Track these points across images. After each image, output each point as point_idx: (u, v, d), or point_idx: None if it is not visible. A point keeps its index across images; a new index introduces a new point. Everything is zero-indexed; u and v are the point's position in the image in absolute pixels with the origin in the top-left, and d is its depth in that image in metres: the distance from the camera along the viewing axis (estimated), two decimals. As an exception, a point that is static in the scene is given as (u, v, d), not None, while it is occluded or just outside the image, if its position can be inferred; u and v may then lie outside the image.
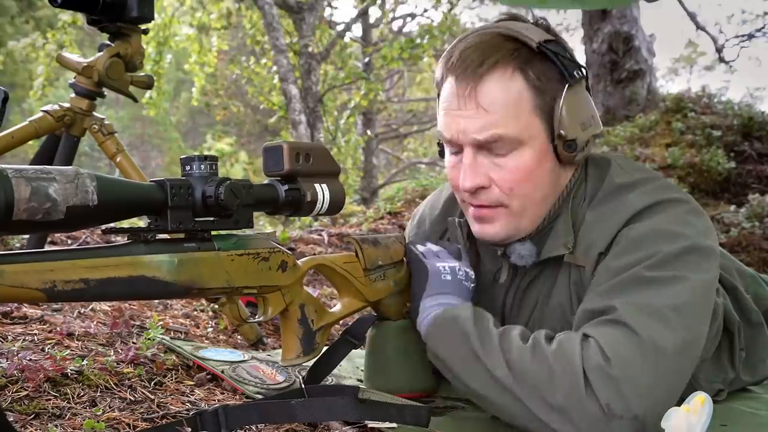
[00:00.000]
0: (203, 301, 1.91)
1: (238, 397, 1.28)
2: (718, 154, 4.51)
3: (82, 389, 1.17)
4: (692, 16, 7.77)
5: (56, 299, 0.83)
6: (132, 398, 1.18)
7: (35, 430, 1.01)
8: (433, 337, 1.15)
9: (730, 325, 1.32)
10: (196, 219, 0.95)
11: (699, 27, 7.85)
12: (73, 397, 1.14)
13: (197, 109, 14.16)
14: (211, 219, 0.97)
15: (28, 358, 1.21)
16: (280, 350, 1.58)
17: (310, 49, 8.32)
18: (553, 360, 1.01)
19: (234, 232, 1.03)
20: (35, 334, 1.40)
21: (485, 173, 1.15)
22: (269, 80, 9.45)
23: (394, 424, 1.09)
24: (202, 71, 9.07)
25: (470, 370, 1.08)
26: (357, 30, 12.03)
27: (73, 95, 1.75)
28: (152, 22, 1.73)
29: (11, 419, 1.01)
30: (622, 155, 1.31)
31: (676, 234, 1.08)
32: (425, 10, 12.25)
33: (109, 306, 1.67)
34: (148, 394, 1.20)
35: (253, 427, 1.10)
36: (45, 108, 1.72)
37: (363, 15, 11.02)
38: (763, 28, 8.29)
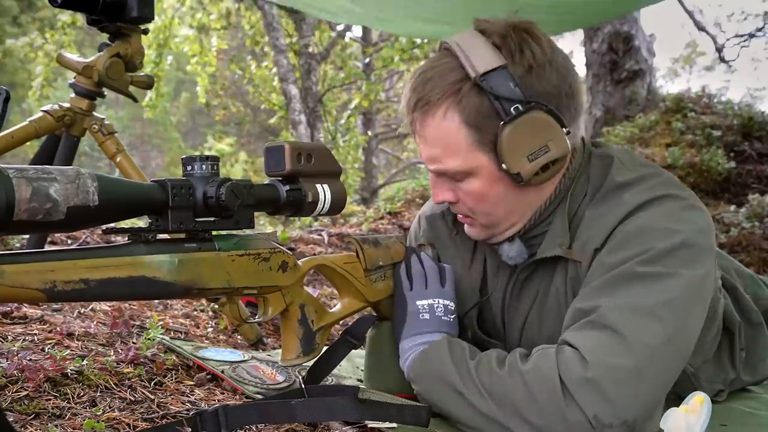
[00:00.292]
0: (203, 301, 1.91)
1: (238, 397, 1.28)
2: (718, 154, 4.51)
3: (82, 389, 1.17)
4: (692, 16, 7.77)
5: (56, 299, 0.83)
6: (132, 398, 1.18)
7: (35, 430, 1.01)
8: (415, 380, 1.17)
9: (731, 325, 1.32)
10: (196, 219, 0.95)
11: (699, 27, 7.85)
12: (73, 397, 1.14)
13: (197, 109, 14.16)
14: (212, 219, 0.97)
15: (28, 358, 1.21)
16: (280, 350, 1.58)
17: (310, 49, 8.33)
18: (530, 380, 1.01)
19: (235, 232, 1.03)
20: (35, 334, 1.40)
21: (450, 191, 1.20)
22: (269, 81, 9.45)
23: (394, 424, 1.09)
24: (204, 71, 9.07)
25: (454, 405, 1.09)
26: (357, 30, 12.04)
27: (73, 95, 1.75)
28: (152, 23, 1.73)
29: (11, 419, 1.01)
30: (626, 150, 1.28)
31: (670, 230, 1.08)
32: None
33: (109, 306, 1.67)
34: (148, 394, 1.20)
35: (253, 427, 1.10)
36: (45, 108, 1.72)
37: (363, 15, 11.01)
38: (763, 27, 8.29)
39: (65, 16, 8.02)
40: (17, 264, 0.78)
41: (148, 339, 1.44)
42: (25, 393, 1.11)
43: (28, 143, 1.71)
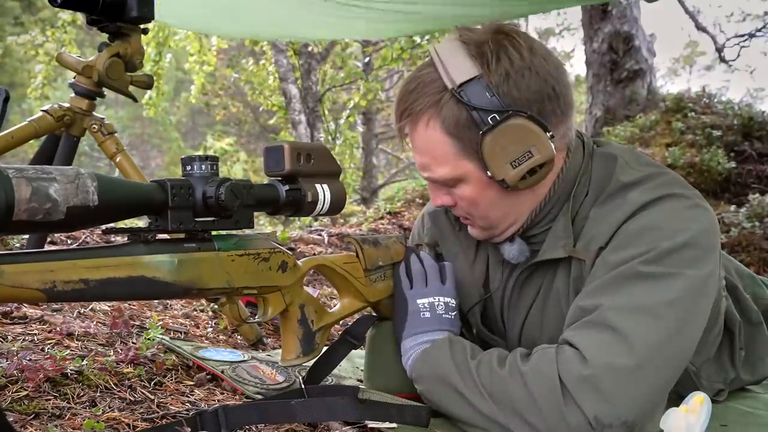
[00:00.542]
0: (203, 301, 1.91)
1: (238, 397, 1.28)
2: (718, 154, 4.51)
3: (82, 389, 1.17)
4: (692, 16, 7.78)
5: (56, 299, 0.83)
6: (132, 398, 1.18)
7: (35, 430, 1.01)
8: (417, 380, 1.17)
9: (731, 324, 1.32)
10: (196, 219, 0.95)
11: (699, 27, 7.85)
12: (73, 397, 1.14)
13: (197, 109, 14.16)
14: (212, 219, 0.97)
15: (28, 358, 1.21)
16: (280, 350, 1.58)
17: (309, 49, 8.32)
18: (530, 381, 1.01)
19: (234, 232, 1.03)
20: (35, 334, 1.40)
21: (446, 194, 1.22)
22: (268, 80, 9.44)
23: (394, 424, 1.09)
24: (201, 70, 9.06)
25: (455, 405, 1.10)
26: (357, 30, 12.02)
27: (72, 95, 1.74)
28: (152, 21, 1.73)
29: (11, 419, 1.01)
30: (630, 149, 1.28)
31: (674, 229, 1.08)
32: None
33: (109, 306, 1.67)
34: (148, 394, 1.20)
35: (253, 427, 1.10)
36: (45, 108, 1.72)
37: (363, 15, 11.00)
38: (763, 27, 8.29)
39: (66, 14, 8.02)
40: (17, 264, 0.78)
41: (148, 339, 1.44)
42: (25, 393, 1.11)
43: (28, 143, 1.71)
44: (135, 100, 1.86)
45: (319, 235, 3.40)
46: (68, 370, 1.19)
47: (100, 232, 2.39)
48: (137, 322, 1.61)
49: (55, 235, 2.26)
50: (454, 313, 1.24)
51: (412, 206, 4.59)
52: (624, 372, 0.98)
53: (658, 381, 1.02)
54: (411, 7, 2.94)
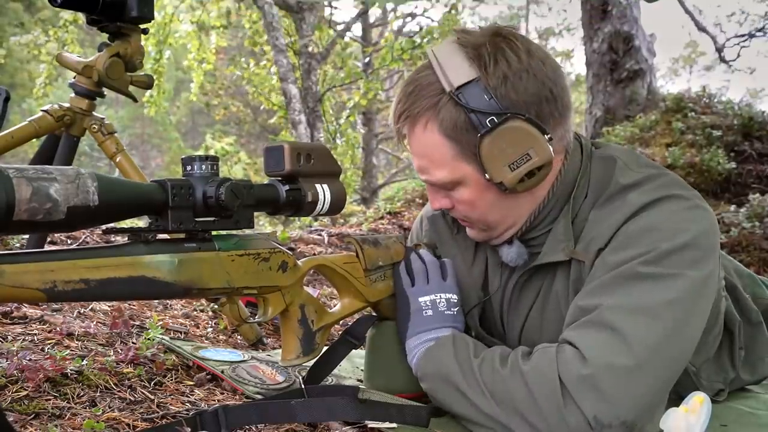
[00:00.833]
0: (203, 301, 1.91)
1: (238, 397, 1.28)
2: (718, 154, 4.51)
3: (82, 389, 1.17)
4: (692, 16, 7.78)
5: (57, 299, 0.83)
6: (132, 398, 1.18)
7: (35, 430, 1.01)
8: (422, 378, 1.17)
9: (731, 324, 1.32)
10: (196, 219, 0.95)
11: (699, 27, 7.86)
12: (73, 397, 1.14)
13: (197, 109, 14.17)
14: (212, 219, 0.97)
15: (28, 358, 1.21)
16: (280, 350, 1.58)
17: (310, 49, 8.32)
18: (531, 380, 1.01)
19: (234, 232, 1.03)
20: (35, 334, 1.40)
21: (444, 197, 1.22)
22: (269, 81, 9.45)
23: (394, 424, 1.09)
24: (200, 68, 9.06)
25: (458, 404, 1.10)
26: (357, 30, 12.04)
27: (72, 95, 1.74)
28: (152, 21, 1.72)
29: (11, 419, 1.01)
30: (628, 150, 1.28)
31: (674, 230, 1.08)
32: (425, 10, 12.21)
33: (109, 306, 1.67)
34: (147, 394, 1.20)
35: (253, 427, 1.10)
36: (45, 108, 1.72)
37: (363, 15, 11.02)
38: (763, 28, 8.29)
39: (67, 14, 8.02)
40: (17, 264, 0.78)
41: (148, 339, 1.44)
42: (25, 393, 1.11)
43: (28, 143, 1.71)
44: (135, 100, 1.86)
45: (319, 235, 3.40)
46: (68, 370, 1.19)
47: (100, 232, 2.39)
48: (137, 322, 1.61)
49: (55, 235, 2.26)
50: (456, 309, 1.24)
51: (412, 206, 4.59)
52: (623, 372, 0.98)
53: (658, 381, 1.02)
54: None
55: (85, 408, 1.11)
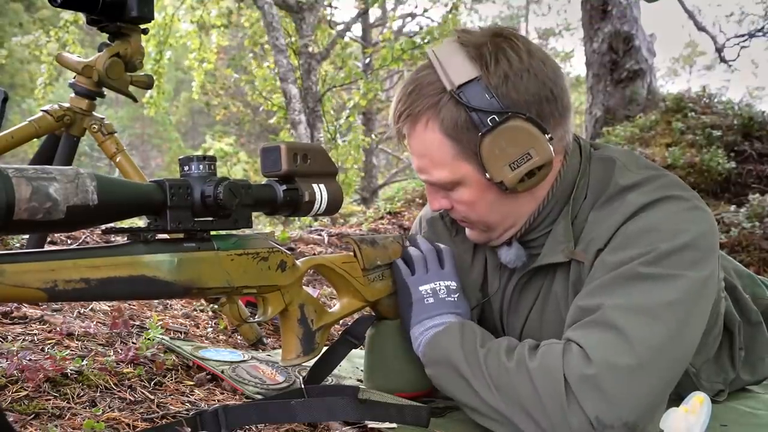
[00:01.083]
0: (203, 301, 1.91)
1: (238, 397, 1.28)
2: (718, 154, 4.52)
3: (82, 389, 1.17)
4: (692, 16, 7.78)
5: (57, 299, 0.83)
6: (132, 398, 1.18)
7: (35, 430, 1.01)
8: (427, 365, 1.17)
9: (731, 324, 1.32)
10: (195, 219, 0.95)
11: (699, 27, 7.86)
12: (73, 397, 1.14)
13: (197, 109, 14.18)
14: (210, 219, 0.97)
15: (28, 358, 1.21)
16: (280, 350, 1.58)
17: (310, 49, 8.32)
18: (536, 378, 1.01)
19: (233, 232, 1.03)
20: (35, 334, 1.40)
21: (443, 198, 1.22)
22: (270, 80, 9.45)
23: (394, 424, 1.09)
24: (201, 67, 9.07)
25: (462, 392, 1.10)
26: (357, 30, 12.05)
27: (72, 95, 1.75)
28: (152, 21, 1.73)
29: (11, 419, 1.01)
30: (627, 151, 1.28)
31: (673, 231, 1.08)
32: (425, 10, 12.22)
33: (109, 306, 1.67)
34: (147, 394, 1.20)
35: (253, 427, 1.10)
36: (45, 108, 1.72)
37: (363, 15, 11.02)
38: (762, 28, 8.29)
39: (68, 14, 8.02)
40: (18, 263, 0.78)
41: (148, 339, 1.44)
42: (25, 393, 1.11)
43: (28, 143, 1.71)
44: (135, 100, 1.86)
45: (319, 235, 3.40)
46: (68, 370, 1.19)
47: (99, 232, 2.39)
48: (137, 322, 1.61)
49: (55, 235, 2.26)
50: (456, 295, 1.24)
51: (412, 206, 4.59)
52: (626, 373, 0.98)
53: (660, 382, 1.02)
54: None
55: (85, 408, 1.11)
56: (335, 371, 1.40)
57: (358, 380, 1.43)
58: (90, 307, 1.64)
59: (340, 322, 1.32)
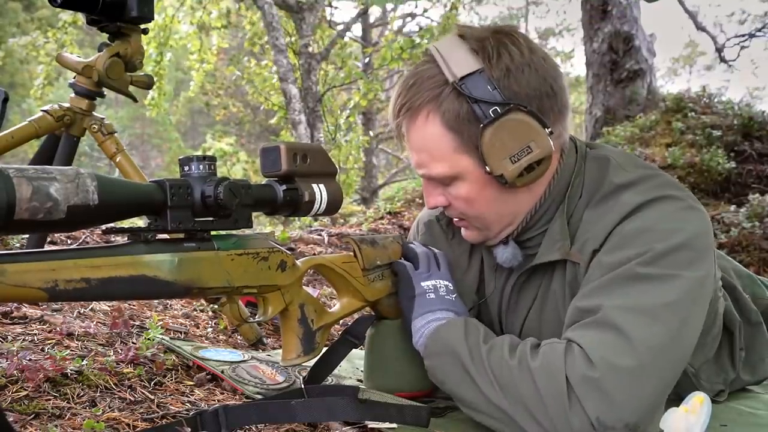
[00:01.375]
0: (203, 301, 1.91)
1: (238, 397, 1.28)
2: (718, 154, 4.51)
3: (82, 389, 1.17)
4: (692, 16, 7.78)
5: (58, 298, 0.83)
6: (132, 398, 1.18)
7: (35, 430, 1.01)
8: (428, 356, 1.17)
9: (731, 324, 1.32)
10: (195, 219, 0.95)
11: (699, 27, 7.86)
12: (73, 397, 1.14)
13: (197, 109, 14.18)
14: (211, 219, 0.97)
15: (28, 358, 1.21)
16: (280, 350, 1.58)
17: (310, 49, 8.32)
18: (539, 378, 1.01)
19: (233, 232, 1.03)
20: (35, 334, 1.40)
21: (441, 194, 1.21)
22: (269, 80, 9.45)
23: (394, 424, 1.09)
24: (201, 68, 9.07)
25: (463, 385, 1.10)
26: (357, 30, 12.05)
27: (72, 95, 1.75)
28: (152, 22, 1.73)
29: (11, 419, 1.01)
30: (622, 150, 1.28)
31: (669, 231, 1.08)
32: (425, 10, 12.22)
33: (109, 306, 1.67)
34: (148, 394, 1.20)
35: (253, 427, 1.10)
36: (45, 108, 1.72)
37: (363, 15, 11.02)
38: (763, 27, 8.29)
39: (66, 15, 8.02)
40: (19, 263, 0.79)
41: (148, 339, 1.44)
42: (25, 393, 1.11)
43: (28, 143, 1.71)
44: (135, 100, 1.86)
45: (319, 235, 3.40)
46: (68, 370, 1.19)
47: (99, 232, 2.39)
48: (137, 322, 1.61)
49: (55, 235, 2.26)
50: (454, 296, 1.25)
51: (412, 206, 4.59)
52: (627, 374, 0.98)
53: (660, 383, 1.02)
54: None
55: (85, 408, 1.11)
56: (335, 371, 1.40)
57: (358, 380, 1.43)
58: (90, 307, 1.64)
59: (340, 322, 1.32)
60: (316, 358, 1.20)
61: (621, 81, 6.16)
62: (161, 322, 1.59)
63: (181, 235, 0.97)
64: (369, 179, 11.83)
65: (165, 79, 9.18)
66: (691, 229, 1.09)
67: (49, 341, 1.37)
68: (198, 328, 1.74)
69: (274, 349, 1.69)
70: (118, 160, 1.77)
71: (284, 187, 1.07)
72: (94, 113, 1.77)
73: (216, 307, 1.88)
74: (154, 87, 1.86)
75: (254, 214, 1.05)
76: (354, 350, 1.29)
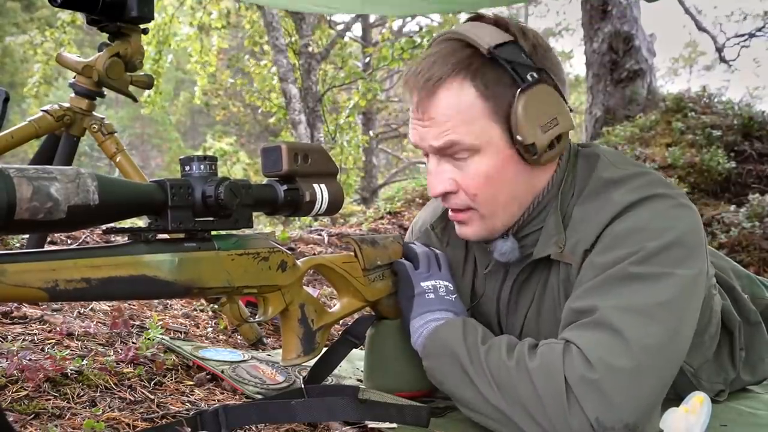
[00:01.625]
0: (203, 301, 1.91)
1: (238, 397, 1.28)
2: (718, 153, 4.51)
3: (82, 389, 1.17)
4: (692, 16, 7.78)
5: (58, 298, 0.83)
6: (132, 398, 1.18)
7: (35, 430, 1.01)
8: (426, 356, 1.17)
9: (730, 324, 1.32)
10: (196, 219, 0.95)
11: (699, 27, 7.86)
12: (73, 397, 1.14)
13: (197, 109, 14.18)
14: (211, 219, 0.97)
15: (28, 358, 1.21)
16: (280, 350, 1.58)
17: (310, 49, 8.33)
18: (536, 377, 1.01)
19: (233, 232, 1.03)
20: (35, 334, 1.40)
21: (451, 178, 1.17)
22: (269, 80, 9.45)
23: (394, 425, 1.09)
24: (203, 71, 9.06)
25: (462, 385, 1.10)
26: (357, 30, 12.05)
27: (72, 95, 1.75)
28: (152, 21, 1.73)
29: (11, 419, 1.01)
30: (612, 149, 1.29)
31: (660, 229, 1.08)
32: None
33: (109, 306, 1.67)
34: (148, 394, 1.20)
35: (253, 427, 1.10)
36: (45, 108, 1.72)
37: (363, 15, 11.02)
38: (763, 27, 8.29)
39: (65, 14, 8.02)
40: (19, 263, 0.79)
41: (148, 339, 1.44)
42: (25, 393, 1.11)
43: (28, 143, 1.71)
44: (135, 100, 1.86)
45: (319, 235, 3.40)
46: (68, 370, 1.20)
47: (100, 232, 2.39)
48: (137, 322, 1.61)
49: (55, 235, 2.26)
50: (454, 296, 1.25)
51: (412, 206, 4.58)
52: (624, 374, 0.98)
53: (658, 382, 1.02)
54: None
55: (85, 408, 1.11)
56: (335, 371, 1.40)
57: (358, 380, 1.43)
58: (90, 307, 1.64)
59: (341, 322, 1.32)
60: (316, 358, 1.20)
61: (621, 81, 6.16)
62: (161, 322, 1.59)
63: (182, 235, 0.97)
64: (369, 179, 11.84)
65: (163, 78, 9.17)
66: (682, 227, 1.09)
67: (49, 341, 1.37)
68: (198, 328, 1.74)
69: (274, 349, 1.69)
70: (118, 160, 1.77)
71: (285, 187, 1.07)
72: (94, 113, 1.77)
73: (216, 307, 1.88)
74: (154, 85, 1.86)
75: (255, 214, 1.05)
76: (354, 350, 1.29)
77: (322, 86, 8.69)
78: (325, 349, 1.22)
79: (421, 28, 9.54)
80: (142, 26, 1.73)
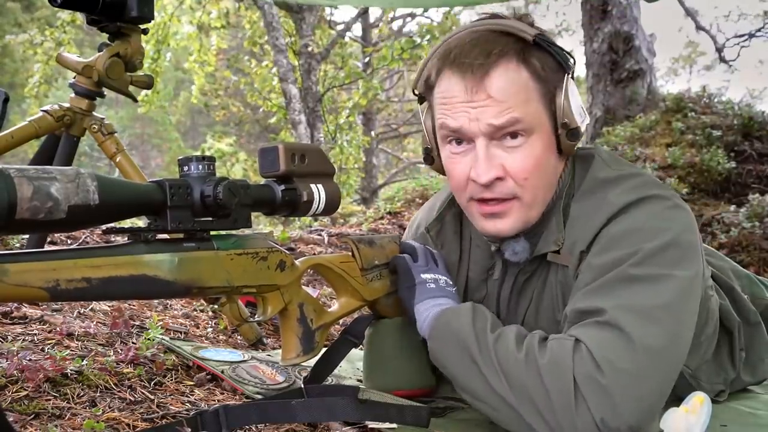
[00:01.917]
0: (203, 301, 1.91)
1: (238, 397, 1.28)
2: (718, 154, 4.51)
3: (82, 389, 1.17)
4: (692, 16, 7.78)
5: (59, 298, 0.83)
6: (132, 398, 1.18)
7: (35, 430, 1.01)
8: (432, 338, 1.15)
9: (730, 325, 1.32)
10: (195, 219, 0.95)
11: (699, 27, 7.86)
12: (73, 397, 1.14)
13: (197, 109, 14.17)
14: (210, 219, 0.97)
15: (28, 358, 1.21)
16: (280, 350, 1.58)
17: (310, 49, 8.32)
18: (545, 374, 1.00)
19: (232, 232, 1.03)
20: (35, 334, 1.40)
21: (500, 164, 1.14)
22: (269, 80, 9.45)
23: (394, 425, 1.09)
24: (201, 70, 9.06)
25: (468, 375, 1.09)
26: (357, 30, 12.05)
27: (72, 95, 1.75)
28: (152, 21, 1.73)
29: (11, 419, 1.01)
30: (608, 151, 1.29)
31: (656, 230, 1.08)
32: (425, 10, 12.21)
33: (109, 306, 1.68)
34: (148, 394, 1.20)
35: (253, 427, 1.10)
36: (45, 108, 1.72)
37: (363, 15, 11.03)
38: (763, 27, 8.29)
39: (65, 14, 8.02)
40: (20, 263, 0.79)
41: (148, 339, 1.44)
42: (25, 393, 1.11)
43: (28, 143, 1.71)
44: (135, 100, 1.86)
45: (319, 235, 3.40)
46: (68, 370, 1.20)
47: (99, 232, 2.39)
48: (137, 322, 1.61)
49: (55, 235, 2.26)
50: (454, 289, 1.26)
51: (412, 206, 4.58)
52: (629, 375, 0.98)
53: (662, 384, 1.02)
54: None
55: (85, 408, 1.11)
56: (335, 371, 1.40)
57: (358, 380, 1.43)
58: (90, 307, 1.64)
59: (340, 321, 1.32)
60: (316, 358, 1.20)
61: (621, 81, 6.16)
62: (161, 322, 1.59)
63: (181, 235, 0.97)
64: (369, 179, 11.84)
65: (162, 77, 9.16)
66: (677, 227, 1.10)
67: (49, 341, 1.37)
68: (198, 328, 1.74)
69: (274, 349, 1.69)
70: (118, 160, 1.77)
71: (282, 187, 1.07)
72: (94, 113, 1.77)
73: (216, 307, 1.88)
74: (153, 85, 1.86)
75: (254, 214, 1.05)
76: (354, 350, 1.29)
77: (322, 86, 8.68)
78: (324, 349, 1.22)
79: (421, 28, 9.53)
80: (142, 26, 1.73)
